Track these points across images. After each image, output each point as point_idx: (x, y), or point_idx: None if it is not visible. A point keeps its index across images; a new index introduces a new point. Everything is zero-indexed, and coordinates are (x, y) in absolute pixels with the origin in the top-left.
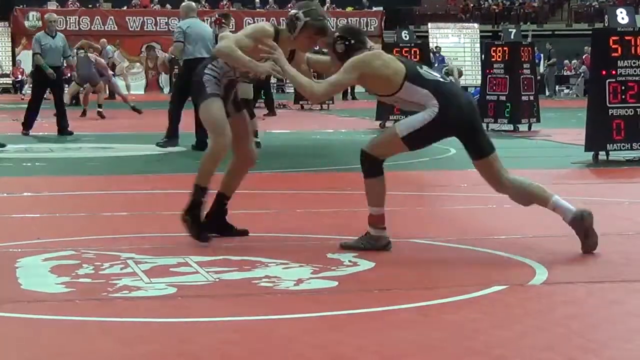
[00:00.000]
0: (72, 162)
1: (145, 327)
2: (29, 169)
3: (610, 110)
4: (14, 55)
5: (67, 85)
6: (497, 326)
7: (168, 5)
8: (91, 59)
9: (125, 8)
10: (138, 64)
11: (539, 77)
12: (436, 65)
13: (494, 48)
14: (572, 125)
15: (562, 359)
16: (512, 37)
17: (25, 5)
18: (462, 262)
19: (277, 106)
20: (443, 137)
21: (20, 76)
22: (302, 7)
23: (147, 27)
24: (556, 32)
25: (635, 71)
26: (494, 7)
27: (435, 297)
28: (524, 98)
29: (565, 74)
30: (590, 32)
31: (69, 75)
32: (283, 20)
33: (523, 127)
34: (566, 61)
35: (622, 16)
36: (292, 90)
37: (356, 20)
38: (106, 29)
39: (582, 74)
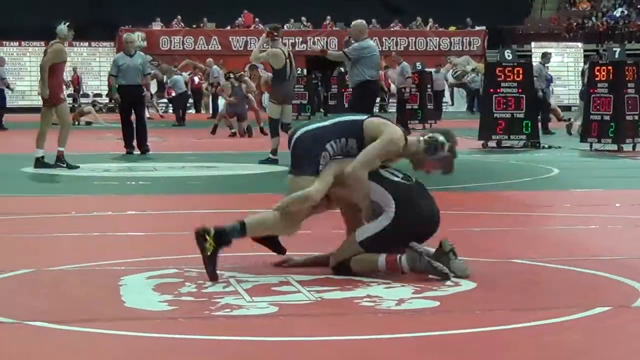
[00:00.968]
0: (175, 180)
1: (247, 346)
2: (133, 187)
3: None
4: None
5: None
6: (601, 348)
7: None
8: (242, 90)
9: (228, 28)
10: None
11: None
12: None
13: (598, 67)
14: None
15: None
16: (616, 56)
17: (130, 26)
18: (565, 283)
19: None
20: (403, 244)
21: None
22: (449, 137)
23: (250, 47)
24: None
25: None
26: (598, 25)
27: (538, 318)
28: (629, 118)
29: None
30: None
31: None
32: (386, 40)
33: (627, 147)
34: None
35: None
36: (394, 110)
37: (459, 39)
38: (210, 48)
39: None
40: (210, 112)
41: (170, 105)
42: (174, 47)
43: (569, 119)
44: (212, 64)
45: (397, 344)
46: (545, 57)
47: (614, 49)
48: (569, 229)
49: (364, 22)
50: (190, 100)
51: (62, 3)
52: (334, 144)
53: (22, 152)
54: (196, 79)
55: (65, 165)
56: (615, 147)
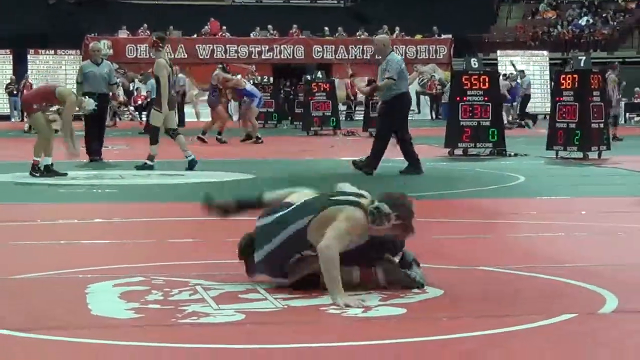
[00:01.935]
0: (141, 188)
1: (214, 354)
2: (99, 195)
3: None
4: None
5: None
6: (567, 356)
7: (228, 34)
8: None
9: (195, 36)
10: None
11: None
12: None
13: (564, 76)
14: None
15: None
16: (582, 64)
17: (96, 34)
18: (531, 290)
19: (346, 133)
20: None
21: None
22: (394, 205)
23: (217, 55)
24: (627, 60)
25: None
26: (564, 34)
27: (503, 325)
28: (594, 125)
29: (636, 101)
30: None
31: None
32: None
33: (593, 155)
34: (637, 89)
35: None
36: (361, 118)
37: (425, 47)
38: (176, 56)
39: None
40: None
41: (136, 112)
42: (140, 55)
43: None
44: (178, 72)
45: (364, 351)
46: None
47: (580, 57)
48: (535, 236)
49: (386, 36)
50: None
51: (29, 11)
52: (294, 258)
53: None
54: None
55: (38, 175)
56: (581, 154)
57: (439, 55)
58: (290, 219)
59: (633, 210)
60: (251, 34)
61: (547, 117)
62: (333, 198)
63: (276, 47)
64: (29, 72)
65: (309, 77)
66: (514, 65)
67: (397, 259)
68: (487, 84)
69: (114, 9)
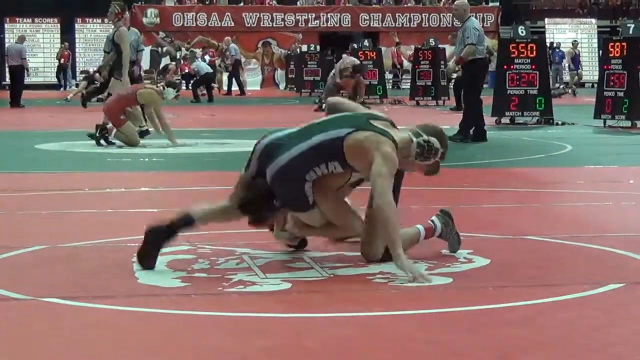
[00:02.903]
0: (188, 157)
1: (260, 322)
2: (146, 164)
3: None
4: None
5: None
6: (614, 325)
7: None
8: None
9: (241, 4)
10: (254, 60)
11: None
12: (556, 60)
13: (612, 44)
14: None
15: None
16: (630, 32)
17: (143, 2)
18: (579, 260)
19: (392, 102)
20: None
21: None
22: (443, 144)
23: (263, 23)
24: None
25: None
26: (613, 1)
27: (551, 294)
28: None
29: None
30: None
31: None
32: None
33: None
34: None
35: None
36: (408, 86)
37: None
38: (223, 25)
39: None
40: (226, 89)
41: (184, 81)
42: (187, 23)
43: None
44: (229, 42)
45: (410, 320)
46: None
47: (629, 24)
48: (582, 205)
49: (466, 1)
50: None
51: None
52: (313, 173)
53: (36, 129)
54: (207, 57)
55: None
56: (629, 123)
57: (486, 24)
58: (319, 128)
59: None
60: (298, 2)
61: (595, 85)
62: (371, 121)
63: (323, 15)
64: (77, 40)
65: (355, 46)
66: None
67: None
68: (534, 52)
69: None
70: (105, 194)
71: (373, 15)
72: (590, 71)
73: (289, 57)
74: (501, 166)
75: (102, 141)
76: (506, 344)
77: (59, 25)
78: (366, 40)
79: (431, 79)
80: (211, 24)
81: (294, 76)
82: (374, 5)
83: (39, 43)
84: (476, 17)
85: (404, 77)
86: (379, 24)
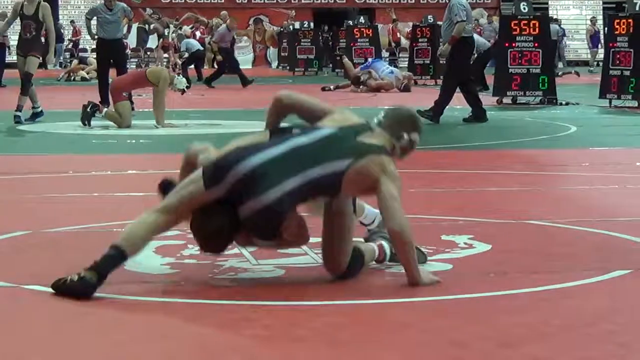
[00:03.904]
0: (177, 139)
1: (252, 310)
2: (133, 146)
3: None
4: None
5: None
6: (620, 312)
7: None
8: None
9: None
10: (245, 37)
11: None
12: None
13: (618, 20)
14: None
15: None
16: (637, 8)
17: None
18: (583, 245)
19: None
20: None
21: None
22: (414, 125)
23: (254, 0)
24: None
25: None
26: None
27: (554, 281)
28: None
29: None
30: None
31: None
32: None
33: None
34: None
35: None
36: (405, 65)
37: None
38: (213, 1)
39: None
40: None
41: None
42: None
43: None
44: (227, 17)
45: (408, 307)
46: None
47: (635, 1)
48: (587, 188)
49: None
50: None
51: None
52: (296, 206)
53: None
54: (197, 34)
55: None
56: (635, 103)
57: (487, 0)
58: (312, 159)
59: None
60: None
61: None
62: (360, 138)
63: None
64: (60, 16)
65: (350, 23)
66: None
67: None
68: (537, 29)
69: None
70: (90, 177)
71: None
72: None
73: (281, 35)
74: (503, 148)
75: (87, 120)
76: (507, 333)
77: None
78: (362, 17)
79: (429, 57)
80: (201, 0)
81: (287, 54)
82: None
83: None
84: None
85: (401, 55)
86: (375, 0)
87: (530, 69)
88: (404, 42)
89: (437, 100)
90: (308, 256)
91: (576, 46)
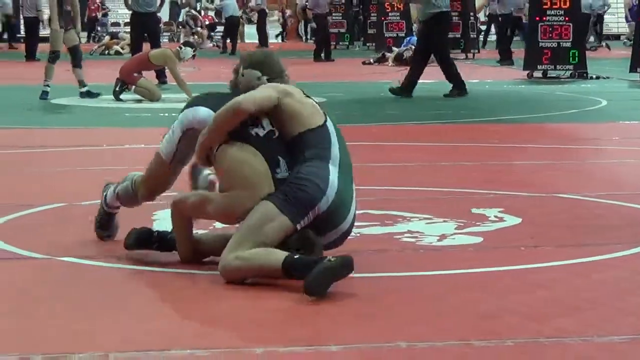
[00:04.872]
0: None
1: (280, 286)
2: (166, 119)
3: None
4: None
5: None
6: None
7: None
8: None
9: None
10: (276, 11)
11: None
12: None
13: None
14: None
15: None
16: None
17: None
18: (614, 219)
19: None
20: None
21: None
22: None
23: None
24: None
25: None
26: None
27: (584, 255)
28: None
29: None
30: None
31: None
32: None
33: None
34: None
35: None
36: None
37: None
38: None
39: None
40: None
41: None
42: None
43: None
44: None
45: (439, 280)
46: None
47: None
48: (617, 162)
49: None
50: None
51: None
52: None
53: (52, 83)
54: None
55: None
56: None
57: None
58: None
59: None
60: None
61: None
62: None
63: None
64: None
65: None
66: None
67: None
68: (567, 3)
69: None
70: (124, 150)
71: None
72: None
73: (305, 10)
74: (533, 122)
75: (117, 96)
76: (537, 307)
77: None
78: None
79: (460, 31)
80: None
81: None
82: None
83: None
84: None
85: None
86: None
87: (561, 43)
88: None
89: (450, 80)
90: None
91: (607, 20)
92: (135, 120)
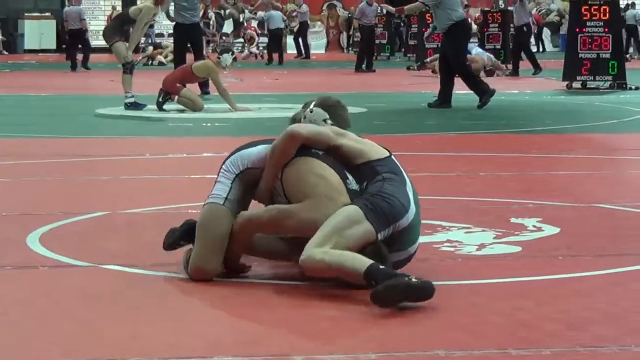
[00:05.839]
0: (250, 122)
1: (318, 293)
2: (208, 129)
3: None
4: None
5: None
6: None
7: None
8: None
9: None
10: (319, 22)
11: None
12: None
13: None
14: None
15: None
16: None
17: None
18: None
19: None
20: None
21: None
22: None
23: None
24: None
25: None
26: None
27: (623, 264)
28: None
29: None
30: None
31: None
32: None
33: None
34: None
35: None
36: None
37: None
38: None
39: None
40: (295, 52)
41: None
42: None
43: None
44: (301, 1)
45: (477, 289)
46: None
47: None
48: None
49: None
50: (265, 40)
51: None
52: None
53: (97, 93)
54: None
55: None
56: None
57: None
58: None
59: None
60: None
61: None
62: None
63: None
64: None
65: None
66: None
67: None
68: (607, 14)
69: None
70: (166, 159)
71: None
72: None
73: (352, 20)
74: (572, 132)
75: (160, 106)
76: (575, 315)
77: None
78: None
79: (500, 43)
80: None
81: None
82: None
83: (99, 6)
84: None
85: (471, 40)
86: None
87: (600, 54)
88: (474, 27)
89: (475, 90)
90: None
91: None
92: (178, 130)
